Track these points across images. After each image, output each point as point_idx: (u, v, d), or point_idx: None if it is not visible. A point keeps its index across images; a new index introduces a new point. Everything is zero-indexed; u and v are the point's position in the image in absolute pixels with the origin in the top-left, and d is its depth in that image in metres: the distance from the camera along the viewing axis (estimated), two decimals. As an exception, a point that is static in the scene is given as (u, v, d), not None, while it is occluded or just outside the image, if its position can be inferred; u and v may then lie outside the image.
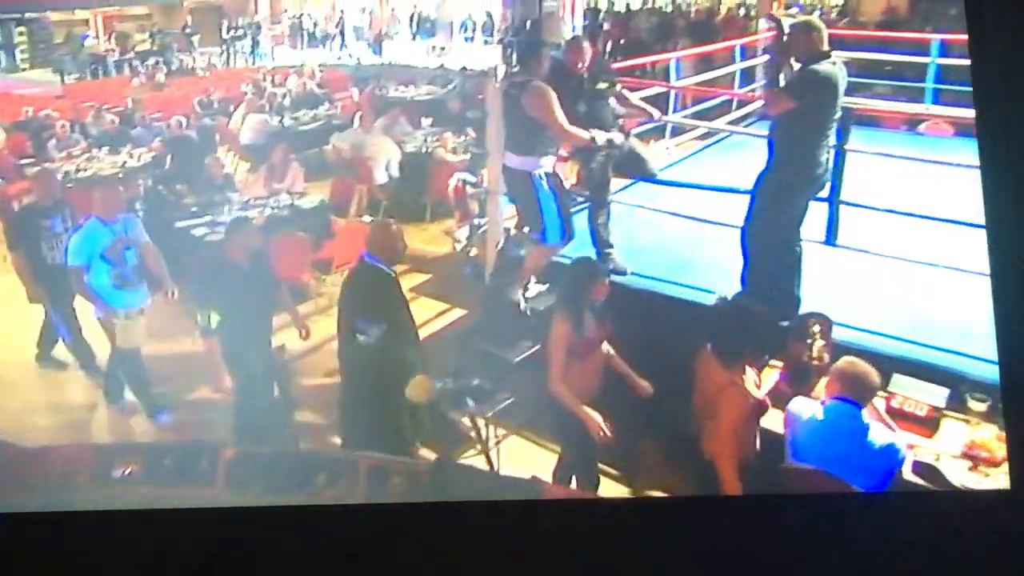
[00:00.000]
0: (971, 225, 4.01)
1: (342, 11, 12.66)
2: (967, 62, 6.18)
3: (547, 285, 4.27)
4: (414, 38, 12.80)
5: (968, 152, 5.69)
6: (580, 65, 4.31)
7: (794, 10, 10.86)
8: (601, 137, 4.21)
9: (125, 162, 7.28)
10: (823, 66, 3.70)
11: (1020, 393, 3.11)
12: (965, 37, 6.02)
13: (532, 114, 3.98)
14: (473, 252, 5.02)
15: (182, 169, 6.72)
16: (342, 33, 12.43)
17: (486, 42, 12.49)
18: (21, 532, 2.99)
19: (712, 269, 4.23)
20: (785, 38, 3.83)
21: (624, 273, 4.24)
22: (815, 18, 4.03)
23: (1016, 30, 3.14)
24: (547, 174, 4.07)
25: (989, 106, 3.18)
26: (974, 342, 3.55)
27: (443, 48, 12.07)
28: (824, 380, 3.30)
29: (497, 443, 3.71)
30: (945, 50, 6.44)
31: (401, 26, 13.20)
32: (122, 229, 4.28)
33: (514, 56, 11.42)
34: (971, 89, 6.35)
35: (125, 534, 2.93)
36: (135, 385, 4.26)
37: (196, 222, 5.78)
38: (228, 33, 12.63)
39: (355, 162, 6.54)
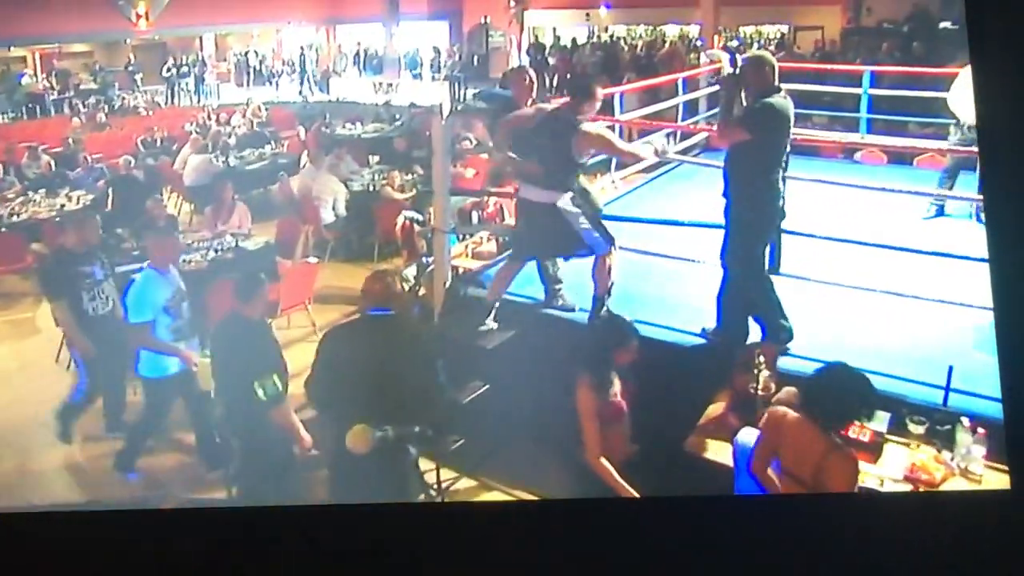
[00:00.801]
0: (909, 251, 4.15)
1: (302, 48, 12.71)
2: (897, 92, 6.48)
3: (497, 324, 4.25)
4: (361, 74, 12.87)
5: (901, 179, 5.95)
6: (527, 95, 4.33)
7: (735, 43, 11.28)
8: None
9: (63, 205, 7.11)
10: (776, 99, 3.78)
11: (1020, 393, 3.09)
12: (894, 69, 6.35)
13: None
14: (421, 292, 5.00)
15: (123, 212, 6.58)
16: (301, 72, 12.46)
17: (434, 78, 12.63)
18: (21, 532, 3.01)
19: (661, 302, 4.27)
20: (737, 71, 3.91)
21: (572, 310, 4.24)
22: (767, 53, 4.10)
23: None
24: (575, 193, 4.04)
25: (992, 138, 3.16)
26: (914, 365, 3.67)
27: (390, 84, 12.15)
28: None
29: (447, 487, 3.66)
30: (876, 81, 6.70)
31: (348, 62, 13.28)
32: (176, 279, 4.05)
33: (463, 91, 11.59)
34: (902, 118, 6.64)
35: (125, 534, 2.96)
36: (203, 431, 3.96)
37: (138, 266, 5.65)
38: (172, 71, 12.53)
39: (301, 202, 6.49)
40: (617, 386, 3.26)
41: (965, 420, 3.29)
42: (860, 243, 4.21)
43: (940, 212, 5.57)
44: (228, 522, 3.04)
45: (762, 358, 3.62)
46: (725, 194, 3.88)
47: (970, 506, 2.91)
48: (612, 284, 4.12)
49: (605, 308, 4.05)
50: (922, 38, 8.41)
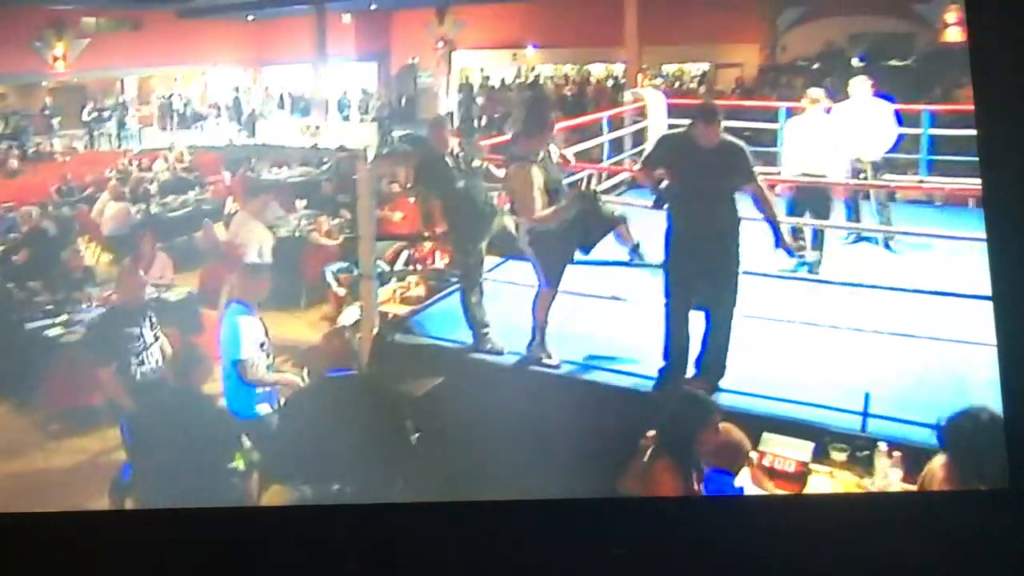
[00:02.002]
0: (827, 283, 4.34)
1: (237, 89, 12.58)
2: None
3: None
4: (291, 115, 12.78)
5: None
6: (446, 145, 4.42)
7: (659, 80, 11.66)
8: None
9: (-32, 257, 6.81)
10: (673, 132, 3.96)
11: (1020, 393, 3.12)
12: (804, 106, 6.64)
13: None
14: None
15: (36, 263, 6.35)
16: (237, 112, 12.31)
17: (362, 120, 12.63)
18: (22, 532, 3.03)
19: (591, 342, 4.34)
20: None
21: (500, 353, 4.27)
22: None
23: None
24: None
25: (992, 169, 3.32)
26: (836, 393, 3.80)
27: (318, 127, 12.11)
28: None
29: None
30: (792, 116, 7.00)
31: (275, 105, 13.19)
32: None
33: (391, 133, 11.63)
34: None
35: (126, 534, 2.99)
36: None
37: (50, 322, 5.45)
38: (92, 115, 12.22)
39: (226, 249, 6.38)
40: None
41: (882, 445, 3.41)
42: (773, 276, 4.40)
43: (860, 238, 5.86)
44: (229, 522, 3.04)
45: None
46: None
47: (970, 506, 2.91)
48: (546, 321, 4.17)
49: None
50: (833, 74, 8.85)
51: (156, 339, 4.20)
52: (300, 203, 7.80)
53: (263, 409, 3.89)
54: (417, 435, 3.57)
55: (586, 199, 4.28)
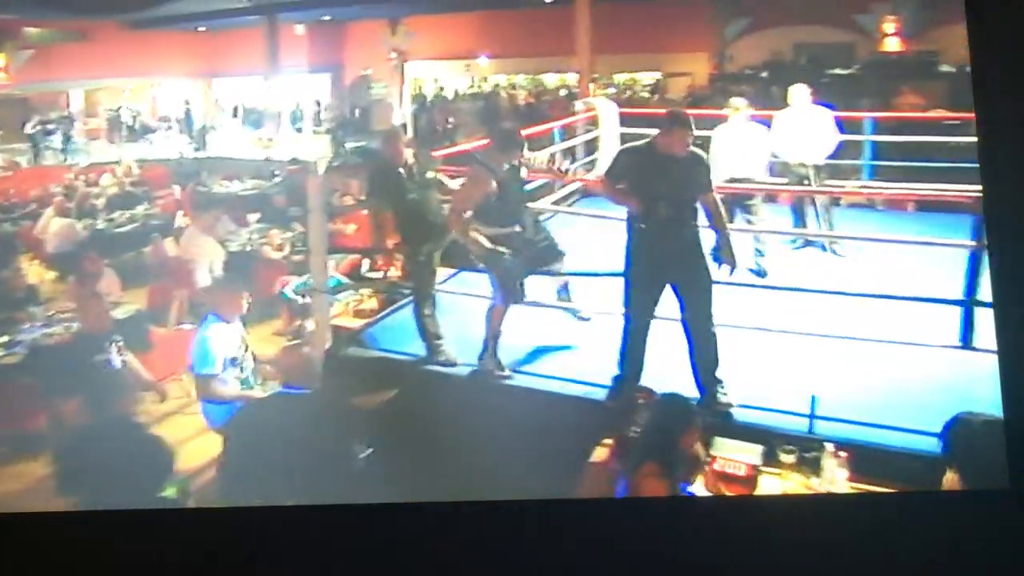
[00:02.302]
0: (774, 288, 4.42)
1: (187, 101, 12.35)
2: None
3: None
4: (243, 128, 12.60)
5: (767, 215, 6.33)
6: (399, 157, 4.40)
7: (610, 90, 11.79)
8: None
9: (-95, 279, 6.55)
10: (635, 144, 4.00)
11: (1020, 393, 3.14)
12: (766, 113, 6.78)
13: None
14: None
15: (-24, 283, 6.15)
16: (188, 125, 12.08)
17: (315, 131, 12.52)
18: (21, 532, 3.03)
19: (545, 353, 4.37)
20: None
21: (454, 365, 4.27)
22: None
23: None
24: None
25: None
26: (785, 396, 3.86)
27: (270, 139, 11.96)
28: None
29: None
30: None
31: (226, 117, 13.00)
32: (240, 329, 3.96)
33: (344, 145, 11.54)
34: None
35: (125, 534, 2.94)
36: None
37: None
38: (35, 128, 11.88)
39: (174, 265, 6.26)
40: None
41: (829, 445, 3.48)
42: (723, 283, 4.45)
43: (808, 243, 5.99)
44: (228, 522, 3.01)
45: (641, 400, 3.73)
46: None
47: (970, 506, 2.89)
48: (499, 333, 4.18)
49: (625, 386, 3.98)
50: (779, 83, 9.05)
51: (124, 364, 4.11)
52: (252, 217, 7.69)
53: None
54: (369, 451, 3.55)
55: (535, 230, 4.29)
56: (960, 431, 2.68)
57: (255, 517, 3.04)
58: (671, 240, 3.87)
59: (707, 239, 4.01)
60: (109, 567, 2.95)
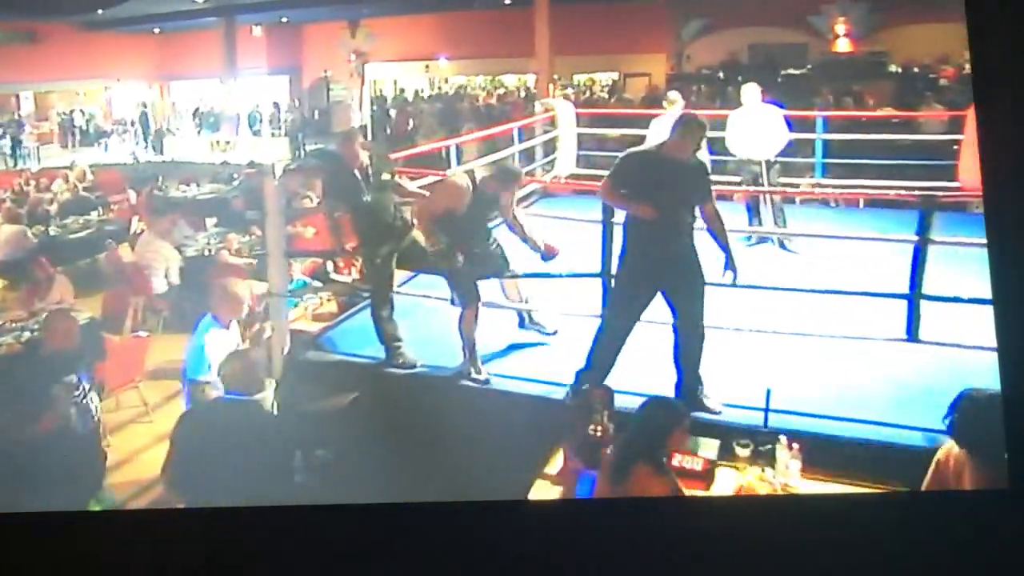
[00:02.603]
0: (728, 286, 4.46)
1: (144, 104, 12.10)
2: (716, 135, 7.01)
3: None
4: (199, 133, 12.42)
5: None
6: (356, 159, 4.38)
7: (569, 91, 11.85)
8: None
9: None
10: (640, 149, 4.01)
11: (1020, 393, 3.13)
12: (712, 113, 6.88)
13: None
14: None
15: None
16: (145, 128, 11.85)
17: (273, 134, 12.38)
18: (21, 532, 3.01)
19: (507, 353, 4.38)
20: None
21: (413, 367, 4.26)
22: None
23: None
24: None
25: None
26: (740, 391, 3.93)
27: (228, 142, 11.80)
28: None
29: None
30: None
31: (183, 120, 12.78)
32: (236, 335, 3.99)
33: (303, 147, 11.44)
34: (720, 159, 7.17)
35: (125, 534, 3.00)
36: None
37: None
38: (-18, 132, 11.57)
39: (130, 271, 6.14)
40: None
41: (783, 438, 3.55)
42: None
43: (761, 240, 6.09)
44: (228, 522, 3.02)
45: (598, 399, 3.76)
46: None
47: (970, 506, 2.96)
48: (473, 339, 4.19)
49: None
50: (735, 83, 9.20)
51: (92, 388, 3.87)
52: (210, 221, 7.58)
53: None
54: (323, 453, 3.54)
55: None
56: (967, 407, 2.80)
57: (253, 517, 3.07)
58: (671, 246, 3.84)
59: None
60: (109, 567, 2.97)
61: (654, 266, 3.87)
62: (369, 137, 11.17)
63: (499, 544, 3.01)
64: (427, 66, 12.50)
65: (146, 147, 11.81)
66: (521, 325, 4.55)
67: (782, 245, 5.96)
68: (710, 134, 6.30)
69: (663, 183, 3.79)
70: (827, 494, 3.23)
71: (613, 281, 4.05)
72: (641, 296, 3.93)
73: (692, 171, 3.87)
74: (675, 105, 6.29)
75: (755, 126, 6.12)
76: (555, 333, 4.51)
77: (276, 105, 12.32)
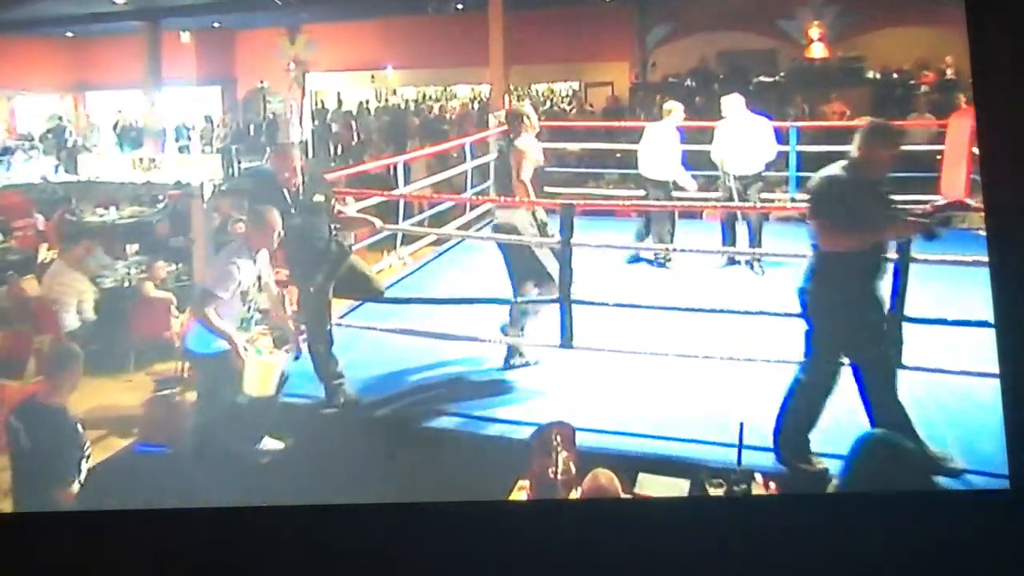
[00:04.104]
0: (701, 311, 4.53)
1: (60, 117, 11.84)
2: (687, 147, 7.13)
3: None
4: (122, 150, 12.22)
5: (692, 232, 6.54)
6: (288, 176, 4.34)
7: (527, 102, 11.96)
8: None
9: None
10: (836, 172, 3.74)
11: (1020, 393, 3.30)
12: (689, 124, 7.00)
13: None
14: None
15: None
16: (60, 142, 11.62)
17: (204, 151, 12.23)
18: (21, 532, 3.27)
19: (462, 385, 4.38)
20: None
21: (356, 403, 4.24)
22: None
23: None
24: None
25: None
26: (712, 429, 3.94)
27: (152, 160, 11.62)
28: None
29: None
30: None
31: (101, 136, 12.56)
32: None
33: (238, 165, 11.33)
34: (697, 172, 7.27)
35: (125, 534, 3.16)
36: None
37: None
38: None
39: (35, 307, 5.98)
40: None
41: (758, 476, 3.57)
42: (649, 307, 4.56)
43: (732, 261, 6.18)
44: (228, 522, 3.25)
45: (558, 438, 3.75)
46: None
47: (969, 506, 3.17)
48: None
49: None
50: (703, 92, 9.39)
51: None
52: (130, 248, 7.44)
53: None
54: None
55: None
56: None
57: (253, 517, 3.30)
58: (863, 275, 3.68)
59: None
60: (109, 567, 3.16)
61: (847, 300, 3.69)
62: (310, 154, 11.12)
63: (499, 544, 3.19)
64: (373, 76, 12.54)
65: (57, 166, 11.56)
66: (506, 366, 4.59)
67: (750, 266, 6.05)
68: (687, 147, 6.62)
69: (866, 207, 3.60)
70: (827, 494, 3.36)
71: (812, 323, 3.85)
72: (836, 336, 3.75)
73: (886, 191, 3.68)
74: (672, 115, 6.36)
75: (743, 139, 6.22)
76: (537, 363, 4.59)
77: (207, 119, 12.22)
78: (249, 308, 4.13)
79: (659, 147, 6.43)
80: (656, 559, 3.15)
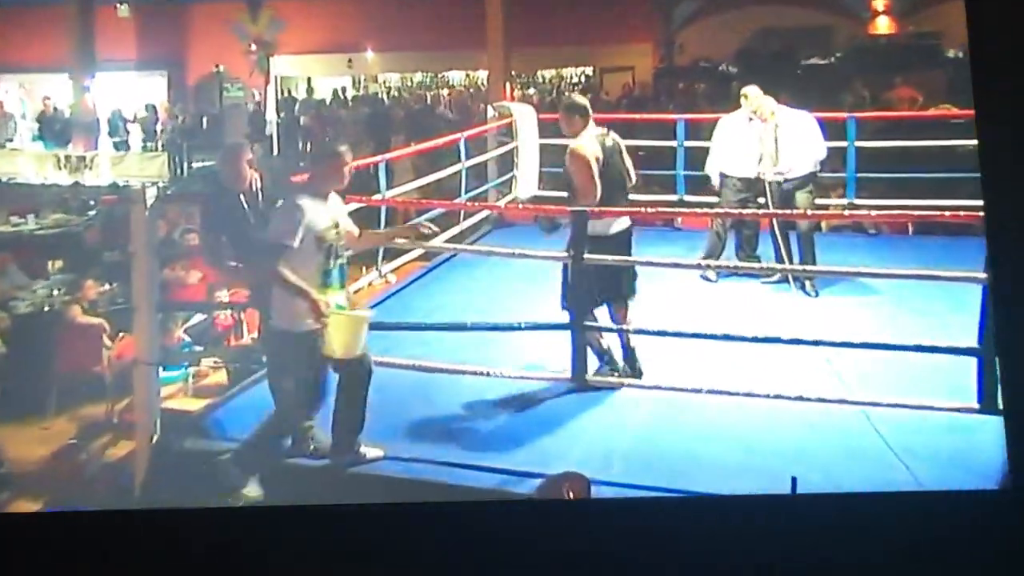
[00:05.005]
0: (755, 340, 4.49)
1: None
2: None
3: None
4: (46, 146, 12.24)
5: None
6: (242, 180, 4.32)
7: (532, 91, 12.04)
8: None
9: None
10: None
11: (1020, 393, 3.55)
12: (710, 117, 6.97)
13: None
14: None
15: None
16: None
17: (146, 148, 12.22)
18: (21, 532, 3.68)
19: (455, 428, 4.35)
20: None
21: (326, 456, 4.14)
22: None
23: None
24: None
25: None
26: (758, 476, 3.87)
27: (82, 158, 11.62)
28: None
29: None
30: (690, 132, 7.32)
31: (19, 129, 12.56)
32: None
33: (187, 165, 11.35)
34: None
35: (125, 534, 3.54)
36: None
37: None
38: None
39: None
40: None
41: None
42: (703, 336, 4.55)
43: (784, 279, 6.10)
44: (228, 522, 3.67)
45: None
46: None
47: (970, 506, 3.48)
48: None
49: None
50: (742, 78, 9.37)
51: None
52: (54, 265, 7.46)
53: None
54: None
55: None
56: None
57: (254, 518, 3.74)
58: None
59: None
60: (109, 567, 3.47)
61: None
62: (274, 151, 11.15)
63: (500, 544, 3.44)
64: (350, 60, 12.62)
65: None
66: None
67: (801, 285, 5.98)
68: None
69: None
70: (826, 494, 3.69)
71: None
72: None
73: None
74: (752, 101, 6.26)
75: (785, 136, 6.13)
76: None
77: (150, 109, 12.26)
78: (330, 258, 4.05)
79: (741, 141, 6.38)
80: (656, 559, 3.38)
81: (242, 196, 4.33)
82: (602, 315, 4.63)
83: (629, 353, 4.61)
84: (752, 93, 6.24)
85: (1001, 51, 3.68)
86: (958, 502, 3.56)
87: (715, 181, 6.40)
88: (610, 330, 4.59)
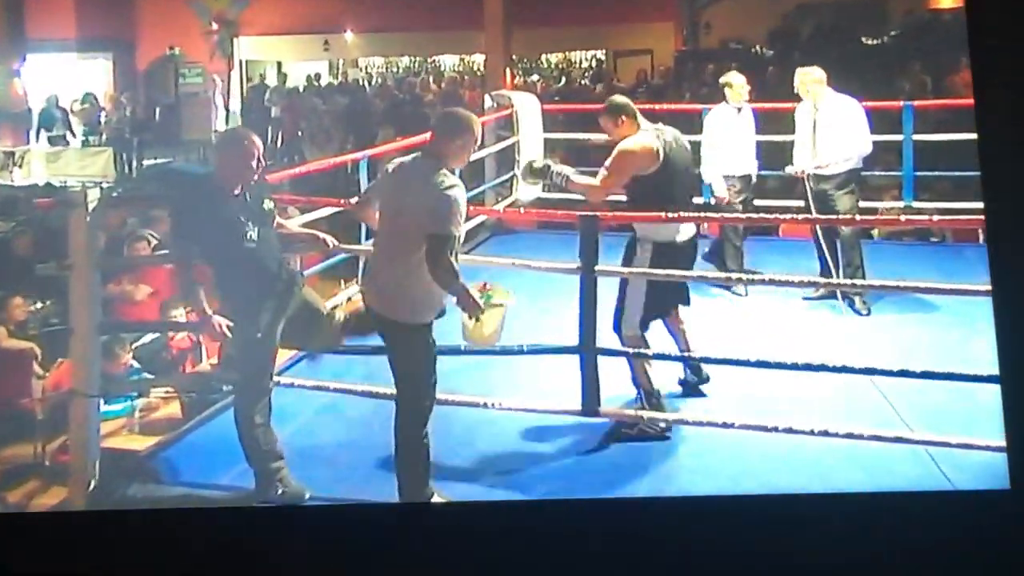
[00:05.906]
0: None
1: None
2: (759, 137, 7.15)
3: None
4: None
5: (766, 253, 6.52)
6: (250, 175, 4.29)
7: (535, 78, 12.08)
8: None
9: None
10: None
11: (1020, 392, 3.91)
12: (764, 105, 6.98)
13: None
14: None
15: None
16: None
17: (86, 142, 12.24)
18: (21, 531, 4.14)
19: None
20: None
21: (301, 499, 4.22)
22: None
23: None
24: None
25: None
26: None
27: (11, 154, 11.64)
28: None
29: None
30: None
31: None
32: None
33: (135, 163, 11.37)
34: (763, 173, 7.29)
35: (125, 533, 4.00)
36: None
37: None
38: None
39: None
40: None
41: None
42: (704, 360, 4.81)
43: (829, 295, 6.11)
44: (228, 522, 4.11)
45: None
46: None
47: (970, 506, 3.91)
48: None
49: None
50: (777, 62, 9.41)
51: None
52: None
53: None
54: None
55: None
56: None
57: (254, 518, 4.16)
58: None
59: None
60: (108, 567, 3.90)
61: None
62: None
63: (500, 544, 3.84)
64: (327, 42, 12.66)
65: None
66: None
67: (850, 302, 5.99)
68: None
69: None
70: (825, 494, 4.07)
71: None
72: None
73: None
74: (736, 90, 6.49)
75: (828, 127, 6.17)
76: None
77: (90, 98, 12.30)
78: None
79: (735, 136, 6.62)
80: (656, 559, 3.83)
81: (235, 196, 4.27)
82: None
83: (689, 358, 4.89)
84: (736, 82, 6.53)
85: (1001, 52, 4.07)
86: (957, 502, 3.98)
87: (718, 186, 6.44)
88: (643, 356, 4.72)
